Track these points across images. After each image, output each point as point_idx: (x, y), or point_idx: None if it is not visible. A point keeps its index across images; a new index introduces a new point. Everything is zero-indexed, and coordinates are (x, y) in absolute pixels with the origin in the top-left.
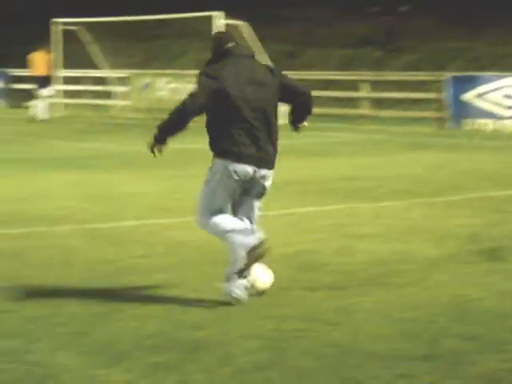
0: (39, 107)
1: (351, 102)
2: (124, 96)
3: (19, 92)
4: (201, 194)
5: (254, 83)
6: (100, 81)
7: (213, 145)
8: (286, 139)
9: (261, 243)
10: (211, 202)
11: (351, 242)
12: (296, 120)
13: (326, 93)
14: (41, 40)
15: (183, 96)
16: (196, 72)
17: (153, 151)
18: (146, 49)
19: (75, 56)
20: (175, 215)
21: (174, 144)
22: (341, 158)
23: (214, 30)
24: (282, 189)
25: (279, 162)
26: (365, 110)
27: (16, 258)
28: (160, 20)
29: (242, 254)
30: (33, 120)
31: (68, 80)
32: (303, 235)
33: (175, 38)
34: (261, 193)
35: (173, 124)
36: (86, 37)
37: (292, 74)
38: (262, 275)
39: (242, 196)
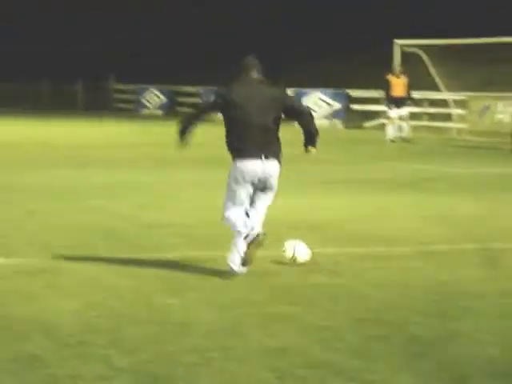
0: (390, 128)
1: None
2: (462, 119)
3: (357, 113)
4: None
5: (256, 99)
6: (439, 103)
7: (227, 147)
8: None
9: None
10: (229, 197)
11: None
12: (306, 142)
13: None
14: (383, 62)
15: None
16: None
17: (179, 143)
18: (486, 72)
19: (415, 78)
20: None
21: None
22: None
23: None
24: None
25: None
26: None
27: (357, 277)
28: (502, 43)
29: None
30: (404, 140)
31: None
32: None
33: None
34: (267, 187)
35: (189, 116)
36: (426, 59)
37: None
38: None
39: (254, 189)
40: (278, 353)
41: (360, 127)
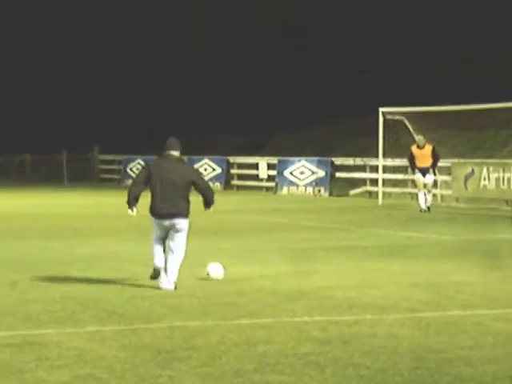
0: (420, 197)
1: None
2: (447, 185)
3: (342, 180)
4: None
5: (171, 174)
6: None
7: (150, 207)
8: None
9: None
10: (153, 233)
11: None
12: (205, 206)
13: None
14: (367, 130)
15: (507, 185)
16: None
17: (129, 207)
18: (471, 138)
19: (400, 146)
20: (504, 306)
21: (504, 234)
22: None
23: None
24: None
25: None
26: None
27: (346, 345)
28: (486, 109)
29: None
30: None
31: (390, 169)
32: None
33: (501, 127)
34: (176, 231)
35: (128, 193)
36: (410, 126)
37: None
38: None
39: (168, 233)
40: None
41: (344, 195)
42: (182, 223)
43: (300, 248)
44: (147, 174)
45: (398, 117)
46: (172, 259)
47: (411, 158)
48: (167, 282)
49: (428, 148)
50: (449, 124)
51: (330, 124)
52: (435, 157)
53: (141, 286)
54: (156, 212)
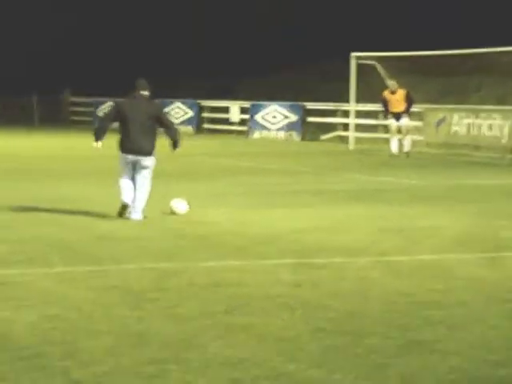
0: (392, 142)
1: None
2: (418, 131)
3: (313, 125)
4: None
5: (137, 110)
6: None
7: (118, 143)
8: None
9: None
10: (120, 171)
11: None
12: (172, 146)
13: None
14: (339, 74)
15: (478, 131)
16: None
17: (96, 139)
18: (442, 84)
19: (371, 91)
20: (474, 251)
21: (475, 180)
22: None
23: None
24: None
25: None
26: None
27: (315, 288)
28: (458, 55)
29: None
30: (406, 154)
31: (362, 114)
32: None
33: (473, 72)
34: (142, 168)
35: (96, 127)
36: (382, 71)
37: None
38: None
39: (135, 169)
40: (237, 364)
41: (316, 140)
42: (147, 160)
43: (270, 191)
44: (116, 112)
45: (369, 61)
46: (138, 192)
47: (384, 103)
48: (135, 212)
49: (401, 93)
50: (421, 69)
51: (302, 68)
52: (409, 101)
53: (111, 227)
54: (124, 147)
